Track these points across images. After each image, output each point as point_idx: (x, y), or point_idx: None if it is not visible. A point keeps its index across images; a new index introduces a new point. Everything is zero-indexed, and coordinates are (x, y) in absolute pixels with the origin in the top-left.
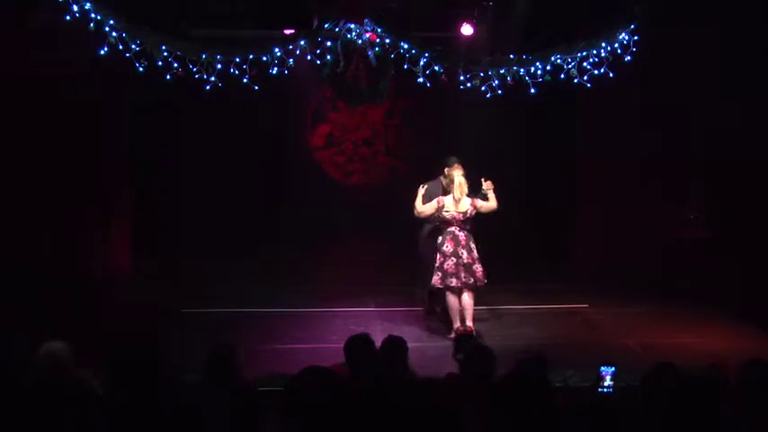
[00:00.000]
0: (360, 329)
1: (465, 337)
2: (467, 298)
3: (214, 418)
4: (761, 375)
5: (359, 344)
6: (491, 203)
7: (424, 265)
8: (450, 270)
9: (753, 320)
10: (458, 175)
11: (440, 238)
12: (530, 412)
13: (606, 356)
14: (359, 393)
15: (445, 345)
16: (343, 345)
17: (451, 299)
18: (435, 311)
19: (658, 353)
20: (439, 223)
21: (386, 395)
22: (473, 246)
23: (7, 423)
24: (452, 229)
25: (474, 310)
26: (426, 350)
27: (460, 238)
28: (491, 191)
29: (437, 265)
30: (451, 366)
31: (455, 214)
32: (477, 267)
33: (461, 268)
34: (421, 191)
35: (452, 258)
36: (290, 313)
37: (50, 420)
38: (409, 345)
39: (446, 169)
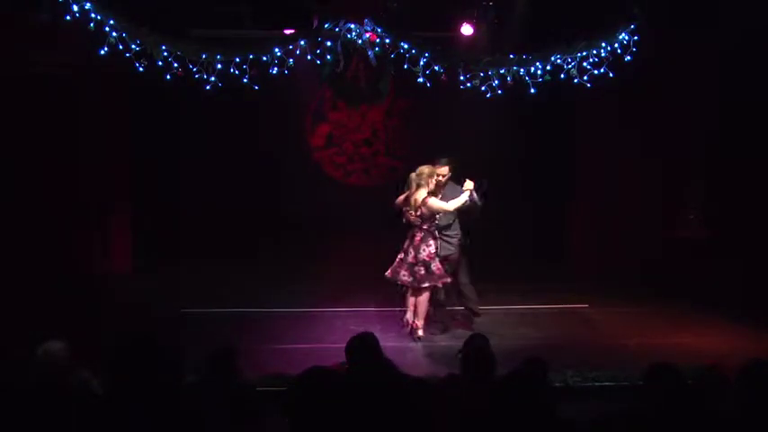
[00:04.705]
0: (360, 329)
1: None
2: (410, 296)
3: (214, 418)
4: (761, 375)
5: (360, 344)
6: (442, 204)
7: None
8: (396, 265)
9: (753, 320)
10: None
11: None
12: (530, 413)
13: (606, 356)
14: (360, 393)
15: (445, 345)
16: (342, 344)
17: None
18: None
19: (658, 353)
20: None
21: (387, 395)
22: (425, 247)
23: (7, 423)
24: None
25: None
26: (425, 350)
27: (415, 237)
28: (467, 191)
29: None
30: (451, 366)
31: (411, 212)
32: (420, 269)
33: (405, 266)
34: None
35: (401, 255)
36: (290, 313)
37: (50, 420)
38: (408, 344)
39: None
